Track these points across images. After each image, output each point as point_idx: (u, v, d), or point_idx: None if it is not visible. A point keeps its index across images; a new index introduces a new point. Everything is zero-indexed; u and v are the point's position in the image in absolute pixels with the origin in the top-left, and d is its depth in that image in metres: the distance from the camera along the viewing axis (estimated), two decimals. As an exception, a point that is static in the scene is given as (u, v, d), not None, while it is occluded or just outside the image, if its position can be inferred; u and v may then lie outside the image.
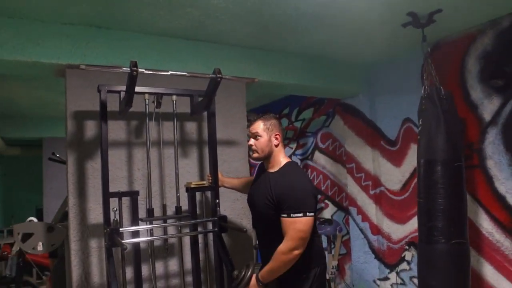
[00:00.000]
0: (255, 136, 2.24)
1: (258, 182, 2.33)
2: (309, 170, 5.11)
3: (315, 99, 4.94)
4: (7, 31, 2.48)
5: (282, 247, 2.02)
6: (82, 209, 2.66)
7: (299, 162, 5.32)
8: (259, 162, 2.47)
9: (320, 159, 5.02)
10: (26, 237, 3.24)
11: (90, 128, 2.73)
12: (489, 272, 3.10)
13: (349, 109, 4.30)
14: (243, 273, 2.16)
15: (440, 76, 3.00)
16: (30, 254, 4.61)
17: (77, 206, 2.66)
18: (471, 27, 3.15)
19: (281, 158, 2.26)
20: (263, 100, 5.25)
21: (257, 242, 2.48)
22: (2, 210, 7.23)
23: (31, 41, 2.54)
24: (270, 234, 2.18)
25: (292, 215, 2.01)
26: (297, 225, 2.00)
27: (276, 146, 2.24)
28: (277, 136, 2.24)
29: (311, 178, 5.00)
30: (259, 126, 2.23)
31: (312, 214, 2.04)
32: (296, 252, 2.01)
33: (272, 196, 2.11)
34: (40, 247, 3.32)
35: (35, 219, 3.56)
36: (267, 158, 2.26)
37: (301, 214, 2.01)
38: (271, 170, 2.25)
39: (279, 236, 2.08)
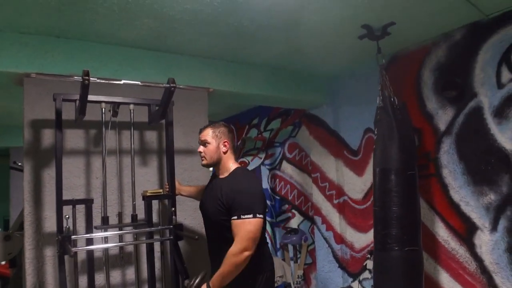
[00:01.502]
0: (204, 143, 2.30)
1: (209, 189, 2.38)
2: (277, 180, 5.16)
3: (282, 110, 5.01)
4: (-36, 39, 2.48)
5: (233, 249, 2.04)
6: (38, 217, 2.65)
7: (267, 172, 5.36)
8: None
9: (287, 168, 5.08)
10: (-17, 246, 3.20)
11: (48, 137, 2.73)
12: (445, 279, 3.17)
13: (314, 119, 4.37)
14: (192, 281, 2.14)
15: (397, 87, 3.09)
16: (-10, 265, 4.54)
17: (33, 214, 2.64)
18: (426, 40, 3.26)
19: (230, 164, 2.31)
20: (232, 110, 5.30)
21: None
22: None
23: (-12, 49, 2.54)
24: (220, 240, 2.20)
25: (242, 216, 2.05)
26: (247, 226, 2.03)
27: (225, 153, 2.29)
28: (226, 144, 2.29)
29: (279, 187, 5.05)
30: (208, 134, 2.29)
31: (261, 216, 2.08)
32: (247, 253, 2.03)
33: (223, 201, 2.15)
34: (-4, 257, 3.28)
35: (-4, 229, 3.52)
36: (216, 164, 2.31)
37: (250, 216, 2.05)
38: (221, 176, 2.30)
39: (229, 242, 2.11)
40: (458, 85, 3.10)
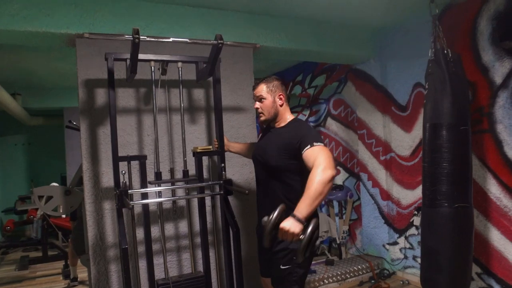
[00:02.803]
0: (260, 99, 2.29)
1: (267, 137, 2.36)
2: (322, 137, 5.12)
3: (327, 66, 4.91)
4: (17, 2, 2.58)
5: (315, 170, 1.86)
6: (95, 173, 2.79)
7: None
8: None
9: (332, 125, 5.04)
10: (47, 200, 3.43)
11: (101, 96, 2.83)
12: (496, 237, 3.12)
13: (360, 74, 4.27)
14: (271, 216, 1.78)
15: (450, 38, 2.95)
16: (53, 218, 4.88)
17: (91, 170, 2.79)
18: (485, -13, 3.06)
19: (288, 116, 2.31)
20: (275, 67, 5.24)
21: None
22: (29, 178, 7.56)
23: (40, 11, 2.63)
24: (274, 189, 2.22)
25: (315, 143, 2.01)
26: (322, 150, 1.97)
27: (281, 105, 2.29)
28: (281, 96, 2.29)
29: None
30: (263, 89, 2.28)
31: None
32: (330, 171, 1.84)
33: (289, 142, 2.14)
34: (60, 209, 3.51)
35: (56, 184, 3.75)
36: (274, 119, 2.31)
37: (321, 144, 2.02)
38: (279, 126, 2.31)
39: (288, 188, 2.15)
40: (518, 36, 2.91)
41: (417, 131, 3.73)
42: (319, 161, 1.89)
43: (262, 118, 2.33)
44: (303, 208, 1.77)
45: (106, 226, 2.80)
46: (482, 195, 3.16)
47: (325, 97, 5.08)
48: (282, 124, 2.31)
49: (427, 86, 2.90)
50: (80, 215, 3.54)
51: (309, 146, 2.01)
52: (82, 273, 4.25)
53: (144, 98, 2.95)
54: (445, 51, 2.80)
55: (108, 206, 2.81)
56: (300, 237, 1.71)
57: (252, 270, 3.11)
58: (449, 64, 2.77)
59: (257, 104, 2.32)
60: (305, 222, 1.74)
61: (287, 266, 2.16)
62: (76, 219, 3.87)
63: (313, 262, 2.36)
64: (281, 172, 2.20)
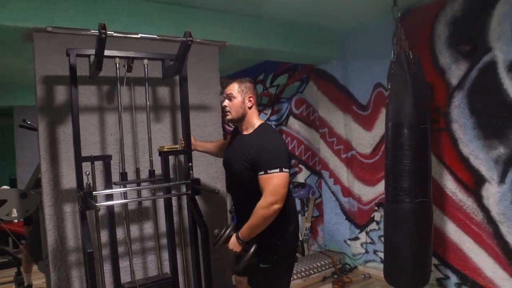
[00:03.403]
0: (230, 97, 2.26)
1: (233, 145, 2.36)
2: (284, 135, 5.18)
3: (290, 65, 4.96)
4: (-31, -8, 2.40)
5: (261, 202, 2.03)
6: (55, 175, 2.67)
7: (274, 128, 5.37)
8: (232, 128, 2.50)
9: (294, 124, 5.09)
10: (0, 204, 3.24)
11: (61, 93, 2.70)
12: (452, 229, 3.28)
13: (322, 74, 4.35)
14: (222, 231, 2.20)
15: (410, 41, 3.05)
16: (5, 223, 4.61)
17: (50, 171, 2.66)
18: (441, -7, 3.20)
19: (255, 120, 2.29)
20: (238, 66, 5.23)
21: (232, 206, 2.52)
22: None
23: (-5, 3, 2.47)
24: (247, 196, 2.21)
25: (268, 171, 2.03)
26: (274, 180, 2.03)
27: (250, 108, 2.27)
28: (251, 99, 2.27)
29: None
30: (234, 88, 2.26)
31: (287, 170, 2.07)
32: (275, 206, 2.01)
33: (249, 157, 2.14)
34: (14, 214, 3.33)
35: (6, 187, 3.55)
36: (241, 120, 2.28)
37: (277, 170, 2.04)
38: (246, 133, 2.29)
39: (256, 198, 2.12)
40: (472, 39, 3.07)
41: (378, 130, 3.85)
42: (267, 193, 2.05)
43: (228, 117, 2.30)
44: (245, 232, 2.10)
45: (67, 229, 2.68)
46: (439, 190, 3.31)
47: (287, 96, 5.13)
48: (250, 130, 2.26)
49: (389, 86, 2.99)
50: (37, 219, 3.36)
51: (262, 173, 2.06)
52: (36, 280, 4.05)
53: (107, 96, 2.85)
54: (407, 53, 2.90)
55: (69, 209, 2.69)
56: (241, 253, 2.15)
57: (220, 270, 3.10)
58: (411, 66, 2.87)
59: (226, 102, 2.29)
60: (245, 244, 2.13)
61: (266, 265, 2.18)
62: (31, 224, 3.68)
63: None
64: (248, 182, 2.19)
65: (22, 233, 4.60)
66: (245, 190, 2.23)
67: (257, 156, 2.10)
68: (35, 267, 3.63)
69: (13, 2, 2.51)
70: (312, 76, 4.58)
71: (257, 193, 2.10)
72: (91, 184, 2.35)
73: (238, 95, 2.24)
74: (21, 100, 5.58)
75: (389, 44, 3.59)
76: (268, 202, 2.01)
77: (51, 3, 2.62)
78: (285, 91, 5.15)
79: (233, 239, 2.14)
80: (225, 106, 2.27)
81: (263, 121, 2.31)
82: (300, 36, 3.78)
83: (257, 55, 3.90)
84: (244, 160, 2.16)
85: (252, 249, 2.09)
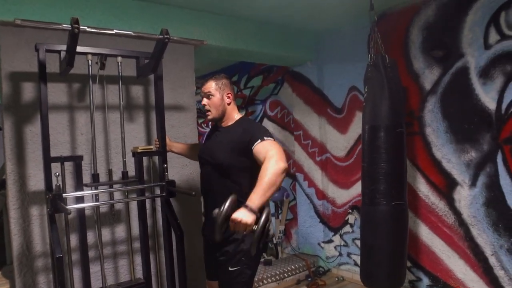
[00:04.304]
0: (208, 95, 2.23)
1: (213, 137, 2.31)
2: (271, 133, 5.14)
3: (264, 67, 4.94)
4: None
5: (267, 163, 1.84)
6: (22, 176, 2.53)
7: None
8: (207, 131, 2.46)
9: (268, 126, 5.05)
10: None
11: (28, 91, 2.57)
12: (424, 232, 3.33)
13: (297, 77, 4.34)
14: (222, 208, 1.71)
15: (385, 45, 3.08)
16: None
17: (16, 172, 2.52)
18: (416, -1, 3.25)
19: (235, 115, 2.27)
20: (212, 66, 5.16)
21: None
22: None
23: (-43, -6, 2.32)
24: (225, 186, 2.14)
25: (265, 138, 2.00)
26: (272, 144, 1.97)
27: (229, 104, 2.25)
28: (229, 95, 2.24)
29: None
30: (211, 86, 2.22)
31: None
32: (282, 164, 1.83)
33: (239, 139, 2.09)
34: (-25, 217, 3.15)
35: (-32, 189, 3.36)
36: (221, 118, 2.25)
37: (271, 139, 2.02)
38: (226, 125, 2.26)
39: (234, 187, 2.09)
40: (445, 45, 3.13)
41: (352, 133, 3.87)
42: (271, 153, 1.90)
43: (210, 116, 2.27)
44: (256, 198, 1.73)
45: (33, 234, 2.55)
46: (412, 193, 3.35)
47: (262, 98, 5.11)
48: (230, 123, 2.26)
49: (366, 90, 3.01)
50: (1, 222, 3.19)
51: (259, 141, 2.00)
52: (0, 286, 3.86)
53: (77, 94, 2.73)
54: (383, 57, 2.92)
55: (36, 212, 2.56)
56: (253, 228, 1.66)
57: (195, 274, 3.02)
58: (387, 69, 2.90)
59: (205, 101, 2.26)
60: (258, 213, 1.69)
61: (235, 268, 2.11)
62: (-6, 227, 3.50)
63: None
64: (231, 171, 2.15)
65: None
66: (224, 181, 2.16)
67: (246, 133, 2.08)
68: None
69: (-22, -7, 2.37)
70: (287, 78, 4.58)
71: (236, 183, 2.09)
72: (61, 186, 2.24)
73: (216, 92, 2.22)
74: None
75: (363, 48, 3.65)
76: (275, 160, 1.85)
77: (19, -4, 2.49)
78: (259, 93, 5.12)
79: (241, 209, 1.70)
80: (205, 104, 2.24)
81: (242, 115, 2.30)
82: (276, 38, 3.76)
83: (232, 55, 3.86)
84: (230, 145, 2.11)
85: (264, 216, 1.65)
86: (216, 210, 1.72)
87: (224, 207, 1.69)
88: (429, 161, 3.28)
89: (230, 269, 2.12)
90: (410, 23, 3.32)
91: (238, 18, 3.45)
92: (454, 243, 3.15)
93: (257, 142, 2.00)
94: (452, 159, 3.13)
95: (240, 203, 1.81)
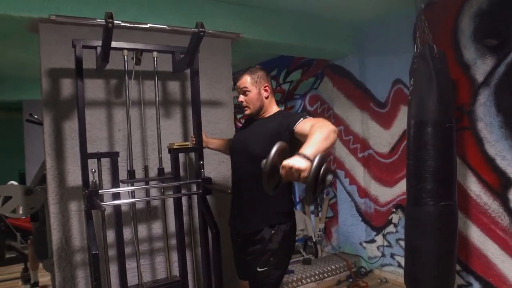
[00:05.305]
0: (244, 91, 2.14)
1: (251, 127, 2.21)
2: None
3: (303, 61, 4.81)
4: (-30, -20, 2.29)
5: (315, 125, 1.68)
6: (61, 171, 2.56)
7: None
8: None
9: (308, 122, 4.94)
10: (5, 200, 3.15)
11: (67, 87, 2.59)
12: (475, 234, 3.11)
13: (338, 70, 4.19)
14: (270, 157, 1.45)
15: (432, 35, 2.90)
16: (10, 219, 4.54)
17: (55, 168, 2.55)
18: (467, -16, 3.02)
19: (273, 109, 2.19)
20: (249, 61, 5.06)
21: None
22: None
23: (-2, -8, 2.36)
24: (258, 179, 2.08)
25: (307, 116, 1.92)
26: (317, 119, 1.83)
27: (267, 98, 2.15)
28: (266, 88, 2.14)
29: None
30: (247, 81, 2.13)
31: None
32: (333, 127, 1.67)
33: (278, 127, 1.99)
34: (20, 211, 3.24)
35: (15, 182, 3.46)
36: (259, 112, 2.17)
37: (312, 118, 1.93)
38: (264, 116, 2.18)
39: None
40: (500, 33, 2.89)
41: (396, 128, 3.68)
42: (319, 123, 1.70)
43: (248, 112, 2.19)
44: (309, 146, 1.51)
45: (72, 229, 2.57)
46: (462, 192, 3.14)
47: (301, 92, 4.98)
48: (267, 115, 2.17)
49: (412, 82, 2.84)
50: (43, 216, 3.27)
51: (301, 119, 1.89)
52: (43, 277, 3.96)
53: (114, 90, 2.73)
54: (431, 47, 2.74)
55: (74, 207, 2.58)
56: (309, 175, 1.38)
57: (231, 272, 2.96)
58: (435, 60, 2.71)
59: (241, 97, 2.17)
60: (313, 160, 1.41)
61: (264, 268, 2.04)
62: (37, 220, 3.58)
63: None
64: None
65: (28, 228, 4.52)
66: (258, 174, 2.08)
67: (286, 118, 1.99)
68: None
69: (17, -9, 2.39)
70: (327, 72, 4.42)
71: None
72: (97, 182, 2.23)
73: (253, 87, 2.12)
74: (29, 94, 5.50)
75: (408, 39, 3.46)
76: (324, 123, 1.70)
77: (57, -8, 2.50)
78: (299, 87, 4.99)
79: (294, 157, 1.46)
80: (241, 101, 2.15)
81: (280, 109, 2.21)
82: (316, 30, 3.63)
83: (270, 49, 3.76)
84: (268, 135, 1.98)
85: (318, 158, 1.38)
86: (264, 161, 1.46)
87: (271, 154, 1.45)
88: (481, 158, 3.05)
89: (258, 269, 2.05)
90: (460, 10, 3.09)
91: (275, 11, 3.34)
92: (509, 247, 2.92)
93: (299, 121, 1.89)
94: (507, 156, 2.89)
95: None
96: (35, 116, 3.64)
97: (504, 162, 2.92)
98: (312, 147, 1.51)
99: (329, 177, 1.39)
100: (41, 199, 3.14)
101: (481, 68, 3.01)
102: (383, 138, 3.83)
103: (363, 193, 4.01)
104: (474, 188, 3.10)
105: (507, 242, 2.92)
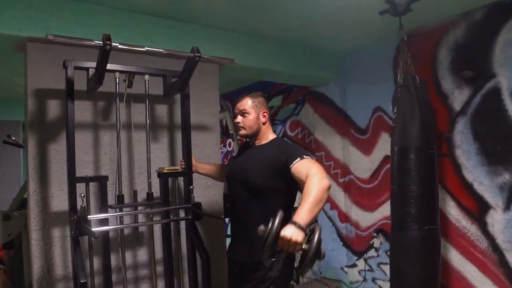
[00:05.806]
0: (243, 113, 2.18)
1: (247, 155, 2.24)
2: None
3: (284, 87, 4.89)
4: (-41, -2, 2.23)
5: (311, 179, 1.72)
6: (44, 196, 2.46)
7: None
8: (224, 150, 2.40)
9: (288, 147, 4.99)
10: (-22, 226, 2.99)
11: (54, 108, 2.52)
12: (455, 257, 3.20)
13: (319, 97, 4.28)
14: (269, 226, 1.58)
15: (414, 66, 3.03)
16: (-19, 245, 4.29)
17: (38, 192, 2.45)
18: (445, 18, 3.19)
19: (270, 135, 2.22)
20: (231, 86, 5.13)
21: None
22: None
23: (-13, 10, 2.30)
24: (256, 207, 2.08)
25: (304, 156, 1.92)
26: (314, 162, 1.89)
27: (264, 123, 2.19)
28: (265, 114, 2.20)
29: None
30: (247, 103, 2.17)
31: None
32: (327, 182, 1.73)
33: (276, 158, 2.01)
34: (-5, 237, 3.08)
35: (-13, 207, 3.29)
36: (254, 135, 2.20)
37: (310, 157, 1.93)
38: (260, 143, 2.20)
39: (266, 209, 1.99)
40: (476, 66, 3.06)
41: (377, 154, 3.78)
42: (314, 171, 1.78)
43: (242, 132, 2.21)
44: (304, 215, 1.60)
45: (55, 256, 2.46)
46: (442, 217, 3.22)
47: (281, 118, 5.04)
48: (264, 142, 2.20)
49: (395, 111, 2.94)
50: (19, 243, 3.11)
51: (298, 159, 1.91)
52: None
53: (102, 112, 2.69)
54: (413, 77, 2.86)
55: (58, 234, 2.47)
56: (303, 247, 1.54)
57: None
58: (418, 90, 2.83)
59: (239, 118, 2.21)
60: (307, 230, 1.58)
61: None
62: (12, 247, 3.40)
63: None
64: (263, 192, 2.07)
65: (1, 257, 4.28)
66: (255, 202, 2.09)
67: (283, 152, 2.01)
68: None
69: (7, 9, 2.34)
70: (308, 98, 4.52)
71: (267, 206, 2.01)
72: (86, 208, 2.16)
73: (252, 110, 2.16)
74: (3, 115, 5.31)
75: (388, 69, 3.60)
76: (319, 177, 1.73)
77: (47, 13, 2.46)
78: (279, 113, 5.05)
79: (289, 226, 1.55)
80: (238, 122, 2.17)
81: (277, 136, 2.24)
82: (299, 57, 3.72)
83: (255, 74, 3.82)
84: (265, 165, 2.04)
85: (317, 235, 1.54)
86: (262, 227, 1.60)
87: (273, 224, 1.56)
88: (460, 183, 3.16)
89: None
90: (439, 43, 3.26)
91: (263, 37, 3.42)
92: (487, 269, 3.01)
93: (296, 161, 1.91)
94: (484, 182, 3.01)
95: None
96: (13, 138, 3.50)
97: (481, 187, 3.04)
98: (307, 215, 1.60)
99: (323, 252, 1.56)
100: (19, 225, 3.00)
101: (458, 98, 3.16)
102: (363, 164, 3.92)
103: (344, 217, 4.06)
104: (453, 212, 3.20)
105: (486, 265, 3.01)
